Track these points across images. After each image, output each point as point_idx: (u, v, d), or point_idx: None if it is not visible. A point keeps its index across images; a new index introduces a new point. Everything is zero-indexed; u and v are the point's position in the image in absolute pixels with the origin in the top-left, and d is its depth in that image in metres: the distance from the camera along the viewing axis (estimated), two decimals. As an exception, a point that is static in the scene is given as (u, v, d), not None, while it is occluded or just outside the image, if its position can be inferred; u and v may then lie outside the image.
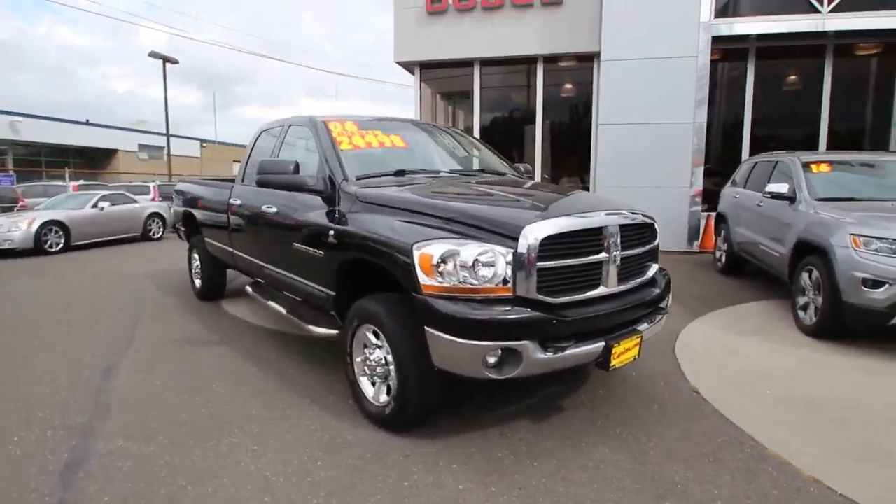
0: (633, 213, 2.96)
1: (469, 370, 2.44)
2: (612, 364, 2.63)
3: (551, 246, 2.51)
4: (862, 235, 4.09)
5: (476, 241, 2.47)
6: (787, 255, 5.01)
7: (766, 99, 9.56)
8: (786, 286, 5.10)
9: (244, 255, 4.46)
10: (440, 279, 2.44)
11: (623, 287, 2.83)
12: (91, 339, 4.41)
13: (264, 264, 4.07)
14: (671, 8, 8.68)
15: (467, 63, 10.55)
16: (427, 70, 10.87)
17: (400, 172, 3.43)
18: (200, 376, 3.59)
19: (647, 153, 8.96)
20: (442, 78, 11.20)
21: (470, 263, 2.41)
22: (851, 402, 3.21)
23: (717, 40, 8.71)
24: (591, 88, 10.01)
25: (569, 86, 10.48)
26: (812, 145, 9.31)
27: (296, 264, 3.55)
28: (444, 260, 2.43)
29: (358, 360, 3.01)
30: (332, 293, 3.20)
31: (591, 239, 2.67)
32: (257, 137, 4.59)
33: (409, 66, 10.93)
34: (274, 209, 3.80)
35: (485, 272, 2.41)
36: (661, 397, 3.27)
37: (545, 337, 2.45)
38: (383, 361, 2.80)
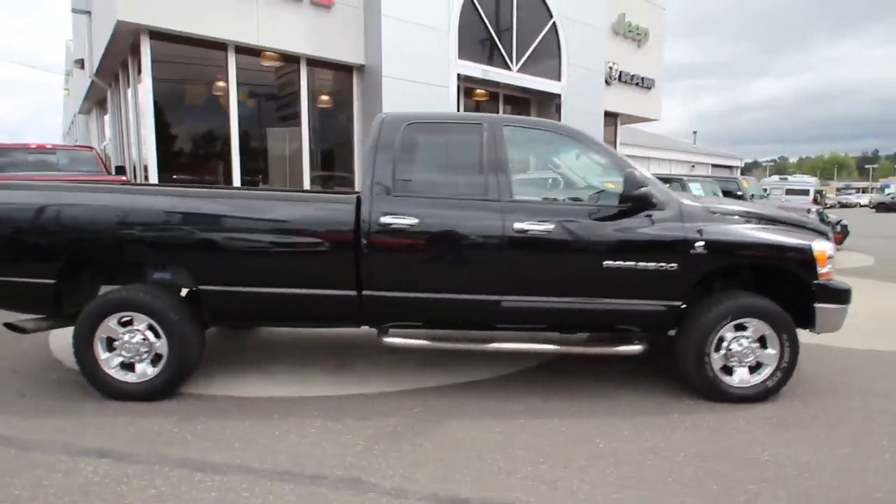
0: None
1: (838, 327, 3.51)
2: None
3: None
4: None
5: (819, 238, 3.52)
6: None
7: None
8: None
9: (423, 296, 3.30)
10: (825, 268, 3.38)
11: None
12: None
13: (502, 297, 3.29)
14: (430, 43, 10.10)
15: (219, 45, 8.70)
16: (159, 42, 8.24)
17: None
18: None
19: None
20: (176, 63, 8.67)
21: (833, 254, 3.46)
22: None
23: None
24: (352, 97, 10.26)
25: (331, 92, 10.28)
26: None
27: (610, 285, 3.29)
28: (829, 253, 3.38)
29: (717, 355, 3.36)
30: (679, 303, 3.33)
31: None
32: (402, 132, 3.40)
33: (133, 33, 7.98)
34: (547, 226, 3.25)
35: (834, 258, 3.52)
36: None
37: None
38: (753, 345, 3.38)
